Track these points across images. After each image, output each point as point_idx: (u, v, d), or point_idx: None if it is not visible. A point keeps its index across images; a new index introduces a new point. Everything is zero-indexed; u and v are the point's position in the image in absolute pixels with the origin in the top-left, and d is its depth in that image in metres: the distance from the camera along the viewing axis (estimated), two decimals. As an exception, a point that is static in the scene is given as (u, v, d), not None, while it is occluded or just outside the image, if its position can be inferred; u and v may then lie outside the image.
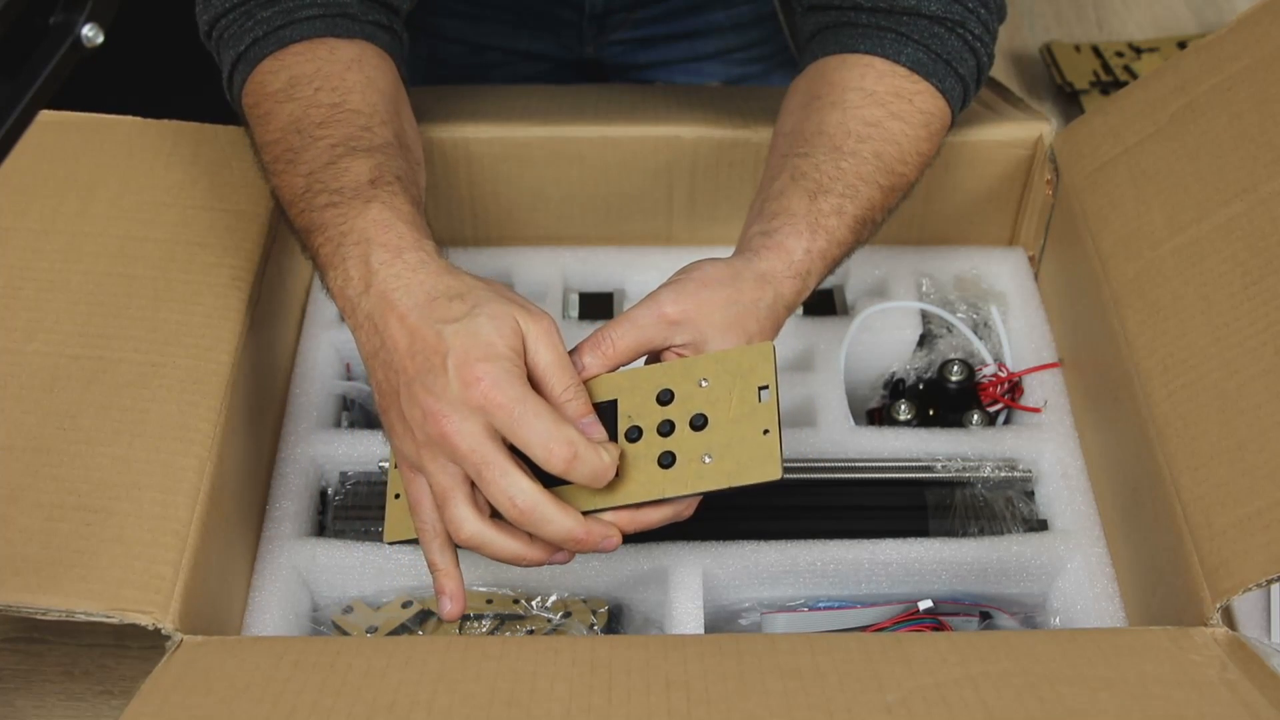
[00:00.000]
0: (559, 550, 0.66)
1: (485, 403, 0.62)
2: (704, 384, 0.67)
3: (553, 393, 0.65)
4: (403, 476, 0.68)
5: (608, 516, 0.66)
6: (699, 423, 0.66)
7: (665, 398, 0.67)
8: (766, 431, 0.64)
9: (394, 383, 0.66)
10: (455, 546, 0.67)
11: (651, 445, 0.66)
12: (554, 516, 0.63)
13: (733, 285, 0.70)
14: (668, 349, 0.69)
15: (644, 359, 0.71)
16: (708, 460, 0.65)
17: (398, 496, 0.71)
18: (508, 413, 0.62)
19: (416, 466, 0.66)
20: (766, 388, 0.65)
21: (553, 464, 0.62)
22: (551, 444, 0.62)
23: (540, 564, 0.66)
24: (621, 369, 0.69)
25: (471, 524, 0.64)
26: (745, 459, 0.64)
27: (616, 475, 0.66)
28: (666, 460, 0.66)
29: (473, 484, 0.64)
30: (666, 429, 0.66)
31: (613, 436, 0.67)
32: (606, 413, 0.67)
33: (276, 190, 0.74)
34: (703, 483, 0.65)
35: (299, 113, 0.74)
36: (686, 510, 0.67)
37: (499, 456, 0.63)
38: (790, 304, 0.72)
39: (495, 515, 0.65)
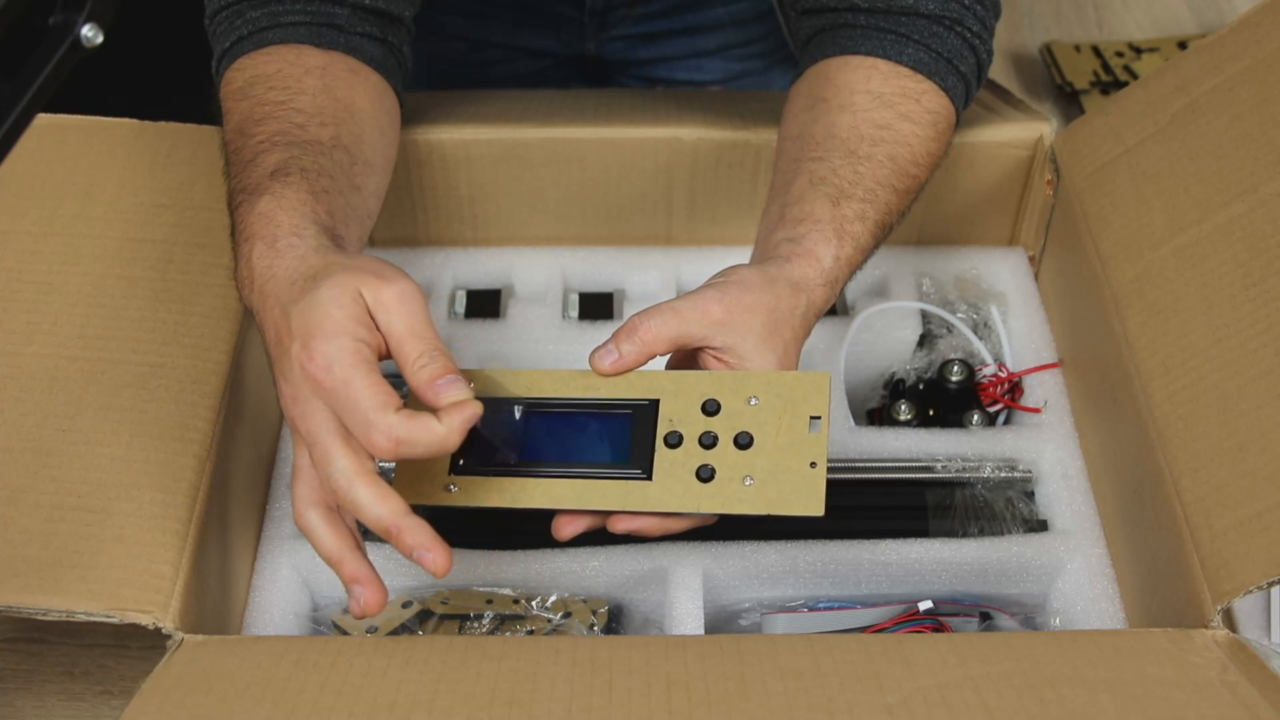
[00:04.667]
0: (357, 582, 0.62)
1: (317, 386, 0.60)
2: (753, 402, 0.65)
3: (406, 360, 0.61)
4: None
5: (636, 524, 0.65)
6: (744, 441, 0.64)
7: (711, 408, 0.65)
8: (814, 465, 0.63)
9: (271, 374, 0.65)
10: (357, 539, 0.65)
11: (691, 455, 0.64)
12: (366, 502, 0.59)
13: (770, 292, 0.69)
14: (704, 349, 0.68)
15: (665, 359, 0.70)
16: (749, 483, 0.63)
17: None
18: (334, 397, 0.60)
19: None
20: (819, 419, 0.64)
21: (376, 452, 0.59)
22: (370, 433, 0.58)
23: (354, 583, 0.63)
24: (667, 370, 0.68)
25: (302, 508, 0.63)
26: (788, 489, 0.63)
27: (649, 479, 0.64)
28: (706, 474, 0.64)
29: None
30: (709, 441, 0.64)
31: (651, 438, 0.65)
32: (646, 412, 0.66)
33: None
34: (742, 505, 0.63)
35: (247, 111, 0.73)
36: (709, 520, 0.66)
37: (325, 437, 0.60)
38: (820, 312, 0.72)
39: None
